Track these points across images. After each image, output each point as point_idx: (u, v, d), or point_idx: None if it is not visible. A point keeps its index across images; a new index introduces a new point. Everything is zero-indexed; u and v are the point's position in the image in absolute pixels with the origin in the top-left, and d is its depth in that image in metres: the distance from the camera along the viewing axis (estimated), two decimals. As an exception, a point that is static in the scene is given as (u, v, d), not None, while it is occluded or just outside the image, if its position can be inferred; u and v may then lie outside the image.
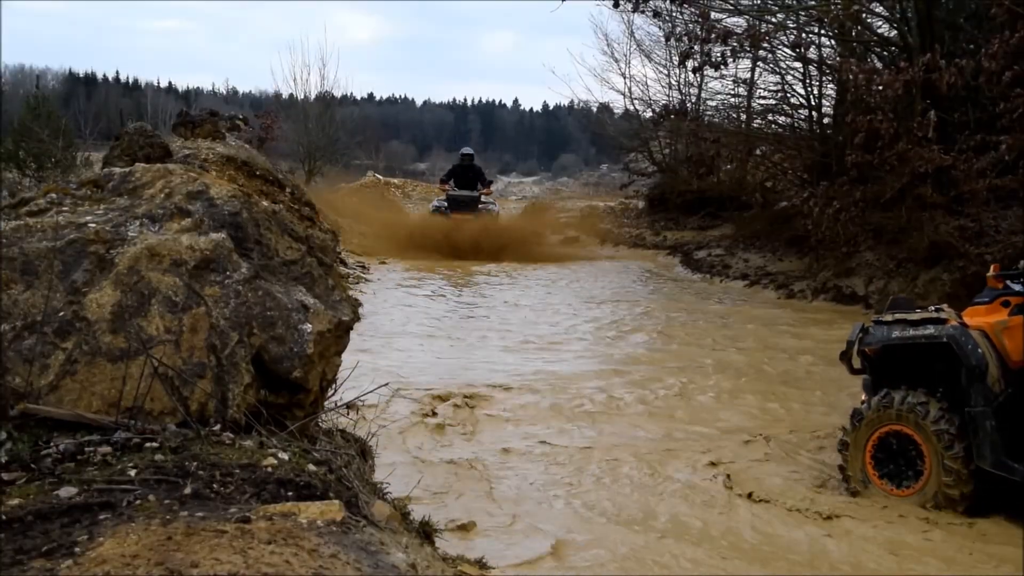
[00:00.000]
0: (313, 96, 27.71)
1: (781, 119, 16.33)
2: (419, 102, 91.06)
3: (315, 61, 45.69)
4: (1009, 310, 4.66)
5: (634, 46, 21.73)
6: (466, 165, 19.60)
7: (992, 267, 5.04)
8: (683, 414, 6.89)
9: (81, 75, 71.16)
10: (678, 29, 14.12)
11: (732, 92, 17.82)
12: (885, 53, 12.99)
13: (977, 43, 10.76)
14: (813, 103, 15.41)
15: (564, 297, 13.13)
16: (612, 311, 11.82)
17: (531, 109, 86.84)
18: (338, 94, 29.59)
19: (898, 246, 11.88)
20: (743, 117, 17.36)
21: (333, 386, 3.22)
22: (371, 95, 77.89)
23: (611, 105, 24.09)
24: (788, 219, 14.46)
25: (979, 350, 4.57)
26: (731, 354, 9.08)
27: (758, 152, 16.13)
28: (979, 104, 10.80)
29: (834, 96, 14.83)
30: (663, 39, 16.89)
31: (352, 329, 3.14)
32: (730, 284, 14.72)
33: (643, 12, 13.03)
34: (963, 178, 10.43)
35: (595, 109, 25.06)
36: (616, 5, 12.38)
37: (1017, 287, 4.76)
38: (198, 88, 74.08)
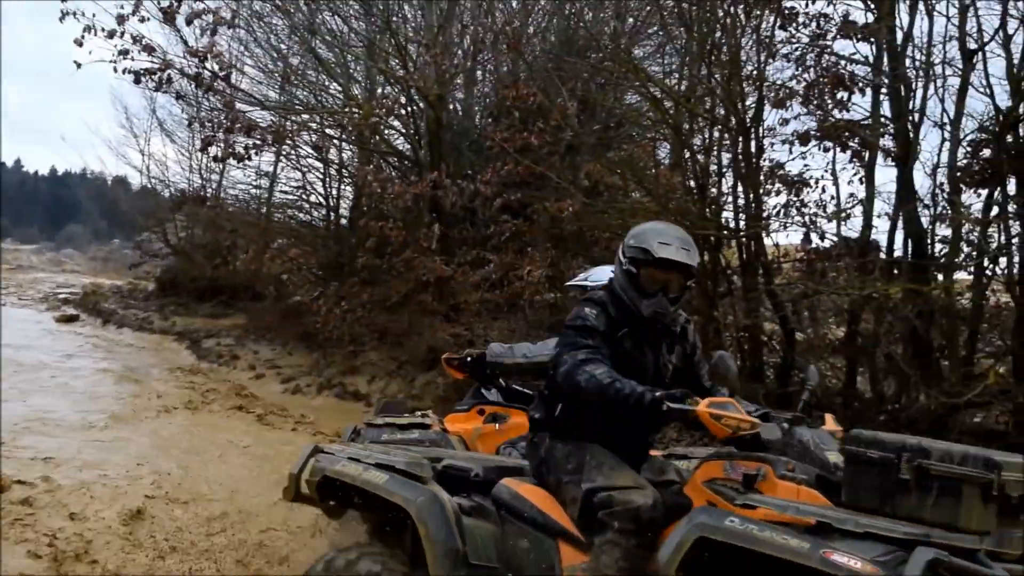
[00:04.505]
0: None
1: (301, 215, 16.58)
2: None
3: None
4: (484, 418, 5.01)
5: (156, 124, 20.86)
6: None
7: (446, 353, 5.52)
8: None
9: None
10: (202, 114, 13.82)
11: (254, 183, 17.75)
12: (398, 164, 13.81)
13: (475, 169, 11.86)
14: (332, 203, 15.87)
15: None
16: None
17: (36, 172, 79.09)
18: None
19: (400, 348, 12.45)
20: (264, 209, 17.33)
21: None
22: None
23: (128, 179, 22.79)
24: (300, 314, 14.54)
25: None
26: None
27: (275, 245, 16.14)
28: (476, 223, 11.85)
29: (351, 198, 15.40)
30: (187, 122, 16.31)
31: None
32: (238, 375, 14.32)
33: (166, 92, 12.51)
34: (460, 289, 11.29)
35: (110, 182, 23.52)
36: (137, 81, 11.73)
37: (492, 397, 5.15)
38: None
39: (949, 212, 7.26)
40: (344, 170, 15.18)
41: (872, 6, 7.69)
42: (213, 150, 12.76)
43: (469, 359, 5.19)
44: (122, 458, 7.70)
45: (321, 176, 15.80)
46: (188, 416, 10.18)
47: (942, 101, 7.42)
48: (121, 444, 8.36)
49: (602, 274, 4.93)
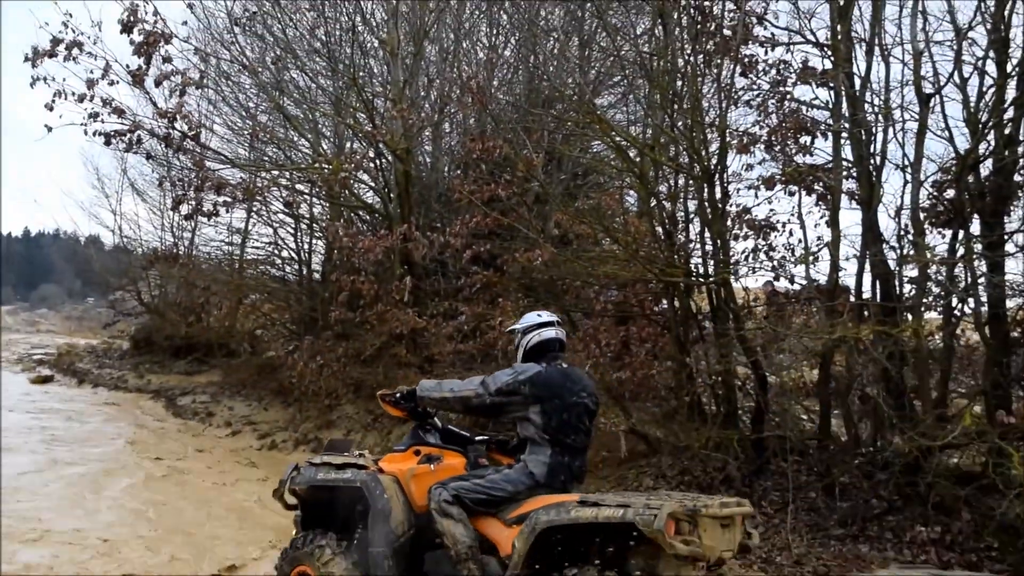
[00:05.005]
0: None
1: (273, 270, 16.53)
2: None
3: None
4: (419, 459, 4.98)
5: (127, 184, 20.92)
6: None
7: (381, 390, 5.45)
8: None
9: None
10: (173, 174, 13.81)
11: (226, 240, 17.73)
12: (368, 218, 13.82)
13: (445, 221, 11.87)
14: (304, 258, 15.84)
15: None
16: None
17: (10, 234, 78.57)
18: None
19: (375, 401, 12.33)
20: (236, 265, 17.27)
21: None
22: None
23: (100, 239, 22.77)
24: (275, 369, 14.45)
25: (386, 495, 4.82)
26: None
27: (248, 301, 16.07)
28: (447, 275, 11.84)
29: (323, 253, 15.38)
30: (158, 181, 16.30)
31: None
32: (214, 432, 14.16)
33: (136, 153, 12.44)
34: (433, 341, 11.23)
35: (83, 242, 23.53)
36: (108, 143, 11.70)
37: (431, 439, 5.13)
38: None
39: (914, 253, 7.29)
40: (315, 225, 15.18)
41: (829, 53, 7.78)
42: (184, 208, 12.72)
43: (399, 395, 5.17)
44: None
45: (292, 231, 15.81)
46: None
47: (902, 145, 7.49)
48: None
49: (530, 318, 4.98)
